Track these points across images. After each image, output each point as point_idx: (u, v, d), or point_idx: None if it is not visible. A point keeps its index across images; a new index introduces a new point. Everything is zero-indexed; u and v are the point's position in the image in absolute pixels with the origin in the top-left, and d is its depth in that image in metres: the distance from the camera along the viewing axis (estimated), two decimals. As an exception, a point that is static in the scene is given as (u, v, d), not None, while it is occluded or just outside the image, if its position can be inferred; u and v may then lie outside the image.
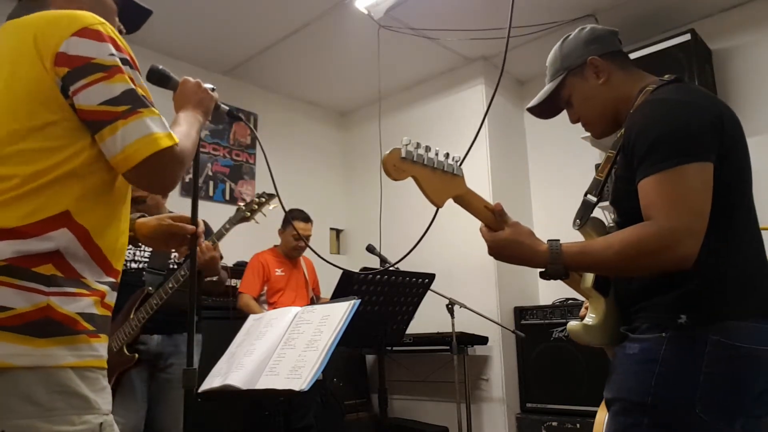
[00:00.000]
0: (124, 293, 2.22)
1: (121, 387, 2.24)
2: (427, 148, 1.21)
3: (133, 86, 1.06)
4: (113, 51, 1.06)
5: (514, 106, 4.38)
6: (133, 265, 2.41)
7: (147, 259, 2.45)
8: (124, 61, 1.07)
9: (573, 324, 1.30)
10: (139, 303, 2.30)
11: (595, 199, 1.34)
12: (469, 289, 3.67)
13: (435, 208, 1.26)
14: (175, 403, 2.37)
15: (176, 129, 1.18)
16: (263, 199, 2.31)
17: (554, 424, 3.34)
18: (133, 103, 1.04)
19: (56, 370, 0.97)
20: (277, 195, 1.57)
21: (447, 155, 1.25)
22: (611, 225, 1.36)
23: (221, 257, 2.47)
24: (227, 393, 1.85)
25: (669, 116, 1.17)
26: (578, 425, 3.21)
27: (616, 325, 1.28)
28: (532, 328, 3.59)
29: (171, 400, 2.38)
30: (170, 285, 2.25)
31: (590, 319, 1.29)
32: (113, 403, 1.01)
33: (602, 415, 2.38)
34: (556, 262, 1.17)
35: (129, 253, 2.39)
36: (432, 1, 3.38)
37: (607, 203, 1.38)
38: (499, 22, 3.40)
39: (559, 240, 1.20)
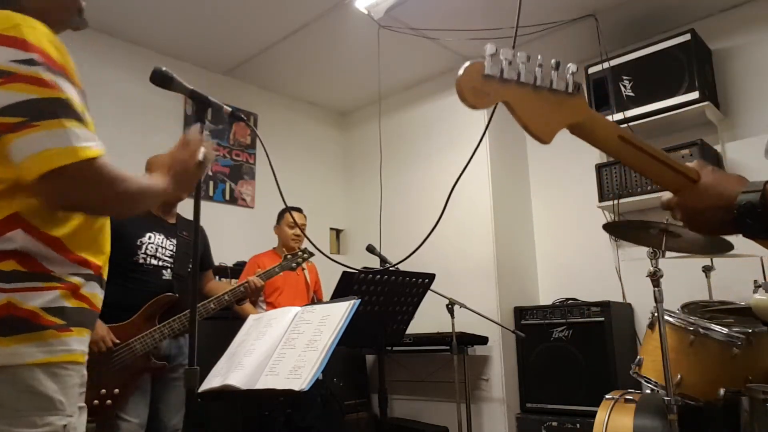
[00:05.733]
0: (141, 290, 2.32)
1: (137, 389, 2.29)
2: (527, 58, 0.81)
3: (37, 96, 0.94)
4: (22, 56, 0.94)
5: (514, 106, 4.38)
6: (153, 261, 2.41)
7: (170, 260, 2.46)
8: (52, 70, 0.96)
9: (761, 298, 0.92)
10: (166, 310, 2.35)
11: None
12: (469, 289, 3.67)
13: (437, 208, 1.10)
14: (179, 400, 2.45)
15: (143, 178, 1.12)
16: (306, 255, 2.84)
17: (554, 424, 3.34)
18: (30, 114, 0.93)
19: (22, 369, 0.95)
20: (280, 191, 1.57)
21: (557, 65, 0.83)
22: None
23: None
24: (227, 393, 1.85)
25: None
26: (578, 425, 3.21)
27: None
28: (532, 328, 3.59)
29: (176, 397, 2.44)
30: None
31: None
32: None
33: (602, 415, 2.38)
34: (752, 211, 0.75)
35: (151, 247, 2.41)
36: (432, 1, 3.38)
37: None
38: (499, 22, 3.39)
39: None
